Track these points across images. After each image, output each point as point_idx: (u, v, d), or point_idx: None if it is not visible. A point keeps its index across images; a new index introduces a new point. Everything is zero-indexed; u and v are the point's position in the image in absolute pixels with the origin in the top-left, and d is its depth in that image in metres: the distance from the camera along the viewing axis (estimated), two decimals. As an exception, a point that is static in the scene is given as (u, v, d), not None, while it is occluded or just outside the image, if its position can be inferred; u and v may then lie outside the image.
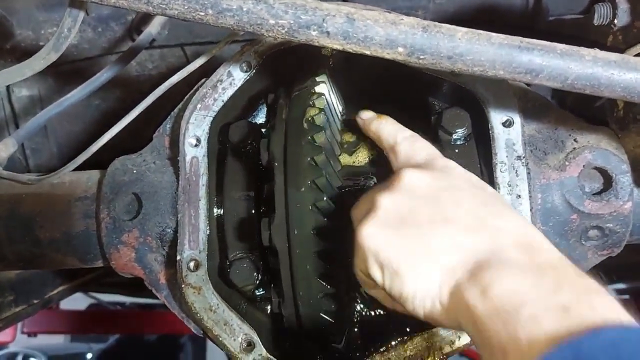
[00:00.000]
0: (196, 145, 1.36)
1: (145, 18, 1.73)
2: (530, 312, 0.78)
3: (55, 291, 2.32)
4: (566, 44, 1.86)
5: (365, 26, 1.05)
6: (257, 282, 1.32)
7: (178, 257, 1.31)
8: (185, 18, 1.09)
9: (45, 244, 1.51)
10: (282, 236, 1.21)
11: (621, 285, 4.19)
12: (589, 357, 0.68)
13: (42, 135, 2.15)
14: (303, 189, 1.20)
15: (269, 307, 1.40)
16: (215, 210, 1.38)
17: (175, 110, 1.46)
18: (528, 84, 1.25)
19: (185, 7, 1.07)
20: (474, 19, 1.86)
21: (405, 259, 0.96)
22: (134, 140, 1.54)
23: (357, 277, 1.11)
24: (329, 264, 1.22)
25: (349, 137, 1.48)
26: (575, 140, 1.34)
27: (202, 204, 1.33)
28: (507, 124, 1.31)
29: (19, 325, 5.34)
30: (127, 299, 5.79)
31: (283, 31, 1.07)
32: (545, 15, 1.85)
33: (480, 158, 1.35)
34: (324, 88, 1.32)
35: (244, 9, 1.06)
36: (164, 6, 1.08)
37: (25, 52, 1.89)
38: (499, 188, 1.28)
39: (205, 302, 1.30)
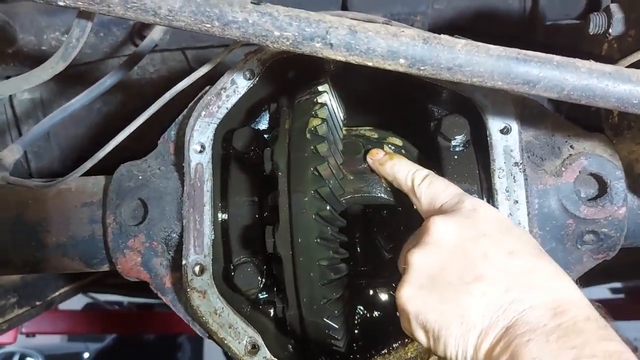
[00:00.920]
0: (201, 152, 1.39)
1: (147, 23, 1.75)
2: None
3: (57, 293, 2.35)
4: (563, 48, 1.91)
5: (367, 38, 1.08)
6: (261, 286, 1.35)
7: (183, 262, 1.34)
8: (192, 30, 1.11)
9: (51, 249, 1.54)
10: (286, 244, 1.24)
11: (617, 285, 4.24)
12: None
13: (44, 139, 2.17)
14: (307, 198, 1.23)
15: (272, 311, 1.43)
16: (220, 215, 1.41)
17: (180, 117, 1.49)
18: (525, 92, 1.28)
19: (192, 19, 1.10)
20: (472, 24, 1.89)
21: (443, 324, 1.01)
22: (138, 144, 1.57)
23: (404, 331, 1.15)
24: (332, 272, 1.25)
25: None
26: (571, 146, 1.37)
27: (207, 209, 1.36)
28: (505, 131, 1.34)
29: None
30: (125, 299, 5.80)
31: (288, 43, 1.10)
32: (542, 21, 1.89)
33: (478, 164, 1.38)
34: (326, 98, 1.35)
35: (250, 21, 1.09)
36: (171, 18, 1.10)
37: (27, 57, 1.91)
38: (497, 194, 1.31)
39: (210, 305, 1.33)
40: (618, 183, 1.32)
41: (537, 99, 1.40)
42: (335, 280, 1.27)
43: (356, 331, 1.49)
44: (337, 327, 1.26)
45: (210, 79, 1.47)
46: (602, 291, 4.42)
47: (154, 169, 1.48)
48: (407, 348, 1.31)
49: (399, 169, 1.29)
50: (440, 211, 1.15)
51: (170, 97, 1.41)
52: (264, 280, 1.35)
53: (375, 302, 1.52)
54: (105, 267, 1.53)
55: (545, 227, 1.33)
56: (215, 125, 1.41)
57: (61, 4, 1.11)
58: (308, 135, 1.27)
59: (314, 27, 1.09)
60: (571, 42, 1.80)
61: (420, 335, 1.05)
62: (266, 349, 1.31)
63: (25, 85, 1.37)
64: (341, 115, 1.47)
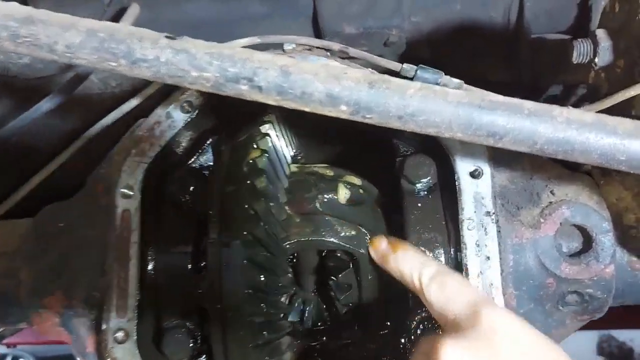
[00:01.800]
0: (128, 197, 1.21)
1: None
2: None
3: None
4: (550, 63, 1.72)
5: (303, 81, 0.91)
6: (195, 353, 1.18)
7: (103, 327, 1.16)
8: (96, 68, 0.94)
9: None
10: (215, 298, 1.09)
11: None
12: None
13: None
14: (238, 241, 1.08)
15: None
16: (149, 268, 1.24)
17: (111, 153, 1.31)
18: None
19: (95, 57, 0.93)
20: (453, 38, 1.72)
21: None
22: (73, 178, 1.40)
23: None
24: (268, 331, 1.10)
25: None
26: (551, 192, 1.19)
27: (133, 264, 1.18)
28: (476, 174, 1.17)
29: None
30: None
31: (208, 85, 0.93)
32: (527, 34, 1.71)
33: (445, 212, 1.21)
34: (269, 128, 1.19)
35: (162, 60, 0.92)
36: (70, 55, 0.93)
37: None
38: (465, 248, 1.14)
39: None
40: (605, 237, 1.14)
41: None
42: (272, 342, 1.11)
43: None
44: None
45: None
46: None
47: (80, 212, 1.29)
48: None
49: (404, 264, 1.09)
50: (454, 326, 0.94)
51: (90, 135, 1.25)
52: (198, 345, 1.19)
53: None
54: (24, 325, 1.36)
55: (521, 287, 1.15)
56: (146, 165, 1.23)
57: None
58: (245, 168, 1.12)
59: (239, 67, 0.91)
60: (557, 59, 1.62)
61: None
62: None
63: None
64: (291, 150, 1.30)
